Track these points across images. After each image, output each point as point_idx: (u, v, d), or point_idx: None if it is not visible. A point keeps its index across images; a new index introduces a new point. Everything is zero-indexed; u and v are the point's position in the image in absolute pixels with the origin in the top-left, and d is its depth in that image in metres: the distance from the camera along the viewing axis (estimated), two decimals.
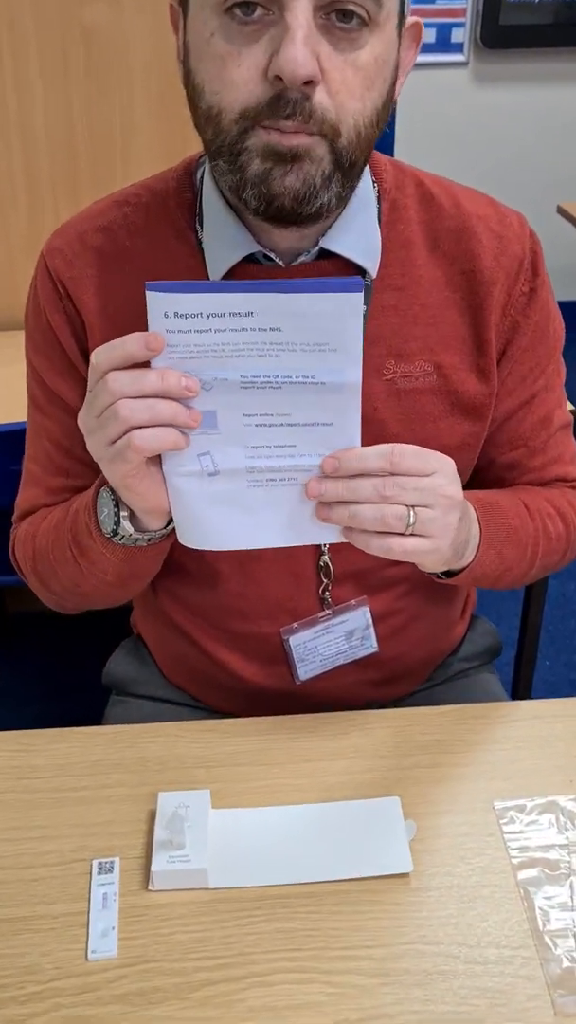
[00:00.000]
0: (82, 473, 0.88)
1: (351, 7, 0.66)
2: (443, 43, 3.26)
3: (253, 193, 0.70)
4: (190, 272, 0.81)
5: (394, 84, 0.73)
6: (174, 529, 0.78)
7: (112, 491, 0.77)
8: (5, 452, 1.42)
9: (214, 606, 0.93)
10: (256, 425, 0.70)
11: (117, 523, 0.77)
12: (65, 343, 0.85)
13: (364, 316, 0.81)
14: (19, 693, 1.94)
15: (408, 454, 0.71)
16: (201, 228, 0.81)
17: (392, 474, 0.70)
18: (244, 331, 0.66)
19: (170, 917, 0.70)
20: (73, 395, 0.87)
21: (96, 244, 0.83)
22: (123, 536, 0.78)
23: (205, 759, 0.84)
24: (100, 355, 0.69)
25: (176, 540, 0.77)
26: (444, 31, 3.25)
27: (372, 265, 0.80)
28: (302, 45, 0.64)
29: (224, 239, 0.78)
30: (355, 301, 0.65)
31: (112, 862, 0.74)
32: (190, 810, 0.75)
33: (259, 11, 0.66)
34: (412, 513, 0.71)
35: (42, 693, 1.94)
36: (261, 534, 0.74)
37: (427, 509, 0.71)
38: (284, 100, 0.66)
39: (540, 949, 0.68)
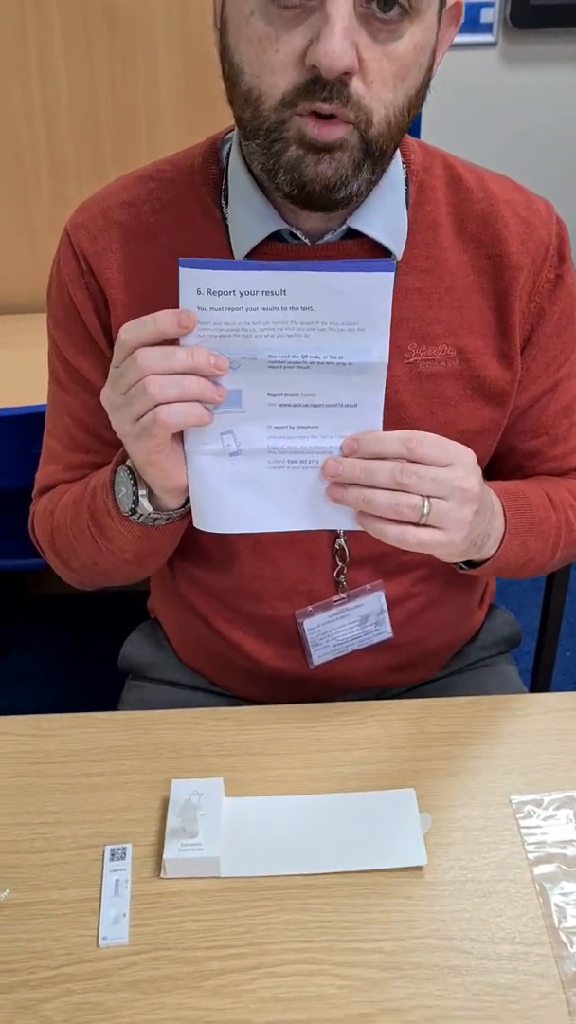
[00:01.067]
0: (102, 450, 0.88)
1: (387, 12, 0.65)
2: (472, 23, 3.21)
3: (286, 179, 0.70)
4: (214, 248, 0.80)
5: (431, 68, 0.71)
6: (185, 509, 0.77)
7: (130, 470, 0.77)
8: (24, 434, 1.42)
9: (230, 588, 0.92)
10: (280, 405, 0.70)
11: (135, 502, 0.77)
12: (87, 319, 0.84)
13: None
14: (38, 676, 1.95)
15: (427, 442, 0.70)
16: (226, 204, 0.80)
17: (409, 461, 0.70)
18: (275, 310, 0.66)
19: (181, 905, 0.70)
20: (94, 372, 0.86)
21: (120, 219, 0.83)
22: (141, 515, 0.77)
23: (219, 747, 0.84)
24: (129, 331, 0.68)
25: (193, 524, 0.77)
26: (473, 11, 3.20)
27: (398, 246, 0.79)
28: (341, 37, 0.63)
29: (250, 216, 0.77)
30: (387, 281, 0.66)
31: (125, 848, 0.74)
32: (203, 798, 0.75)
33: None
34: (427, 503, 0.70)
35: (61, 676, 1.95)
36: (278, 518, 0.74)
37: (442, 501, 0.70)
38: (321, 83, 0.65)
39: (555, 946, 0.67)
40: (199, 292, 0.66)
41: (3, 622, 2.10)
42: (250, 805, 0.77)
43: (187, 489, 0.74)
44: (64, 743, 0.84)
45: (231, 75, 0.71)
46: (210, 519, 0.75)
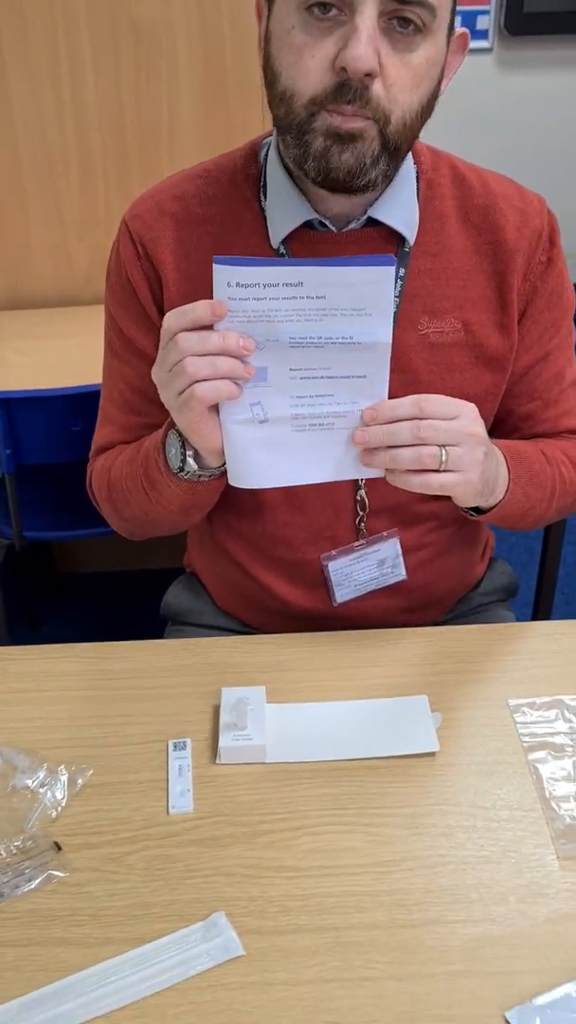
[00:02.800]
0: (153, 412, 1.01)
1: (410, 15, 0.78)
2: (468, 30, 3.34)
3: (313, 166, 0.83)
4: (254, 235, 0.94)
5: (439, 83, 0.85)
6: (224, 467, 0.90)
7: (179, 434, 0.89)
8: (67, 413, 1.56)
9: (263, 535, 1.06)
10: (301, 378, 0.82)
11: (183, 461, 0.90)
12: (142, 296, 0.98)
13: (403, 278, 0.94)
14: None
15: (434, 401, 0.83)
16: (264, 198, 0.94)
17: (421, 419, 0.83)
18: (294, 299, 0.78)
19: (235, 784, 0.84)
20: (147, 342, 0.99)
21: (172, 211, 0.96)
22: (188, 472, 0.90)
23: (259, 665, 0.97)
24: (171, 319, 0.81)
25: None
26: (469, 18, 3.34)
27: (411, 234, 0.93)
28: (366, 44, 0.77)
29: (285, 207, 0.91)
30: (388, 272, 0.77)
31: (185, 742, 0.88)
32: (249, 700, 0.89)
33: (333, 11, 0.78)
34: (444, 452, 0.83)
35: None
36: (303, 472, 0.86)
37: (456, 447, 0.83)
38: (347, 87, 0.79)
39: (546, 811, 0.81)
40: (229, 285, 0.77)
41: (35, 597, 2.24)
42: (288, 709, 0.91)
43: (218, 448, 0.86)
44: (124, 663, 0.98)
45: (271, 79, 0.85)
46: (244, 477, 0.87)
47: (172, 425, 0.91)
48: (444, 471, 0.83)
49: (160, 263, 0.96)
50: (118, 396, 1.05)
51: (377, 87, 0.80)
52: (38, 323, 1.96)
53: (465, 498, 0.90)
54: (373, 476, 0.86)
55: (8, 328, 1.94)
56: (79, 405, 1.54)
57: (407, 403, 0.83)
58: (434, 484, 0.84)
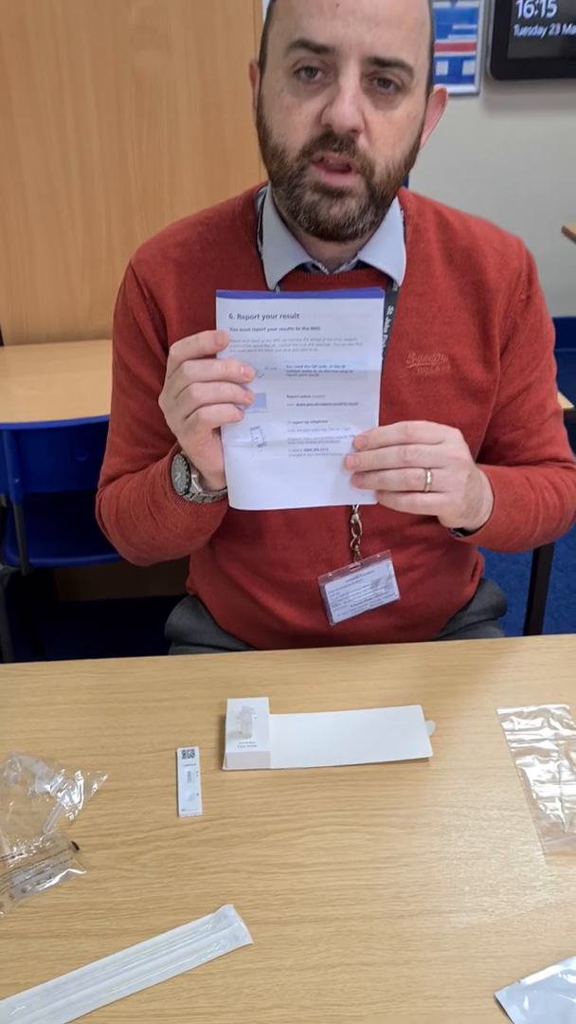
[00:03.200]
0: (157, 443, 1.08)
1: (389, 76, 0.86)
2: (455, 75, 3.48)
3: (305, 217, 0.90)
4: (251, 278, 1.01)
5: (420, 137, 0.93)
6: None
7: (185, 459, 0.96)
8: (73, 443, 1.62)
9: (263, 559, 1.12)
10: (297, 405, 0.88)
11: (189, 484, 0.96)
12: (147, 335, 1.05)
13: (391, 316, 1.01)
14: None
15: (420, 427, 0.89)
16: (261, 243, 1.01)
17: (408, 444, 0.89)
18: (290, 330, 0.84)
19: (241, 788, 0.89)
20: (152, 378, 1.06)
21: (175, 256, 1.03)
22: (193, 495, 0.96)
23: (262, 679, 1.03)
24: (178, 348, 0.87)
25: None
26: (456, 64, 3.47)
27: (399, 275, 1.00)
28: (350, 102, 0.84)
29: (280, 252, 0.98)
30: (377, 305, 0.84)
31: (193, 750, 0.93)
32: (253, 711, 0.94)
33: (319, 74, 0.86)
34: (429, 474, 0.89)
35: None
36: (299, 495, 0.92)
37: (440, 470, 0.90)
38: (333, 137, 0.86)
39: (533, 811, 0.86)
40: (231, 316, 0.84)
41: (38, 623, 2.29)
42: (290, 719, 0.97)
43: (221, 471, 0.92)
44: (134, 678, 1.04)
45: (264, 138, 0.92)
46: (244, 499, 0.93)
47: (178, 450, 0.97)
48: (429, 492, 0.89)
49: (164, 305, 1.03)
50: (125, 429, 1.12)
51: (362, 141, 0.87)
52: (43, 358, 2.03)
53: (450, 518, 0.96)
54: (366, 502, 0.92)
55: (15, 363, 2.01)
56: (84, 436, 1.61)
57: (394, 429, 0.89)
58: (419, 504, 0.89)
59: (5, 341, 2.12)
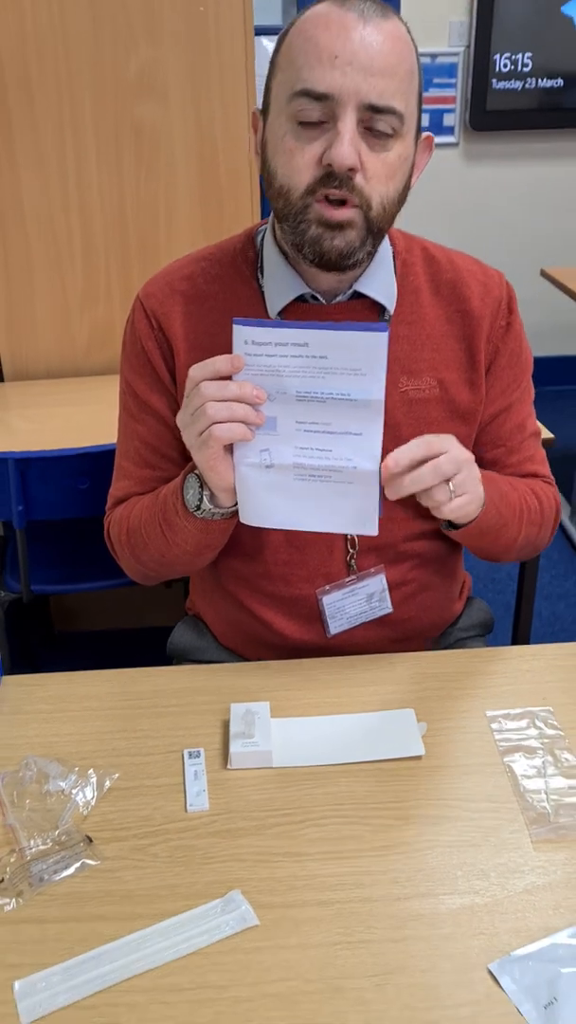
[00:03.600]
0: (165, 466, 1.14)
1: (383, 123, 0.94)
2: (436, 126, 3.63)
3: (309, 251, 0.98)
4: (253, 308, 1.08)
5: (410, 177, 1.01)
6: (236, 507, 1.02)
7: (198, 477, 1.02)
8: (75, 472, 1.68)
9: (264, 574, 1.18)
10: (305, 431, 0.94)
11: (200, 500, 1.02)
12: (155, 363, 1.12)
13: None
14: None
15: (434, 440, 0.96)
16: (262, 276, 1.09)
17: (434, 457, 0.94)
18: (300, 357, 0.91)
19: (245, 786, 0.95)
20: (160, 404, 1.13)
21: (181, 289, 1.11)
22: (204, 511, 1.03)
23: (264, 686, 1.09)
24: (196, 370, 0.95)
25: (239, 524, 1.02)
26: (437, 116, 3.63)
27: (390, 304, 1.08)
28: (348, 145, 0.93)
29: (281, 284, 1.06)
30: (383, 338, 0.89)
31: (199, 751, 0.99)
32: (256, 712, 0.99)
33: (320, 121, 0.94)
34: (451, 483, 0.95)
35: None
36: (300, 518, 0.98)
37: (459, 475, 0.96)
38: (333, 176, 0.94)
39: (520, 803, 0.92)
40: (246, 343, 0.91)
41: (34, 653, 2.32)
42: (290, 722, 1.02)
43: (231, 487, 0.99)
44: (144, 687, 1.09)
45: (270, 179, 1.00)
46: (251, 516, 1.00)
47: (190, 470, 1.03)
48: (454, 498, 0.96)
49: (171, 334, 1.10)
50: (134, 452, 1.18)
51: (359, 178, 0.95)
52: (43, 392, 2.10)
53: (474, 513, 1.02)
54: (364, 533, 0.98)
55: (16, 397, 2.07)
56: (86, 464, 1.67)
57: (418, 444, 0.94)
58: (446, 512, 0.97)
59: (6, 377, 2.18)
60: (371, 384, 0.91)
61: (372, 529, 0.97)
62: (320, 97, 0.92)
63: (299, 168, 0.96)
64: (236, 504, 1.02)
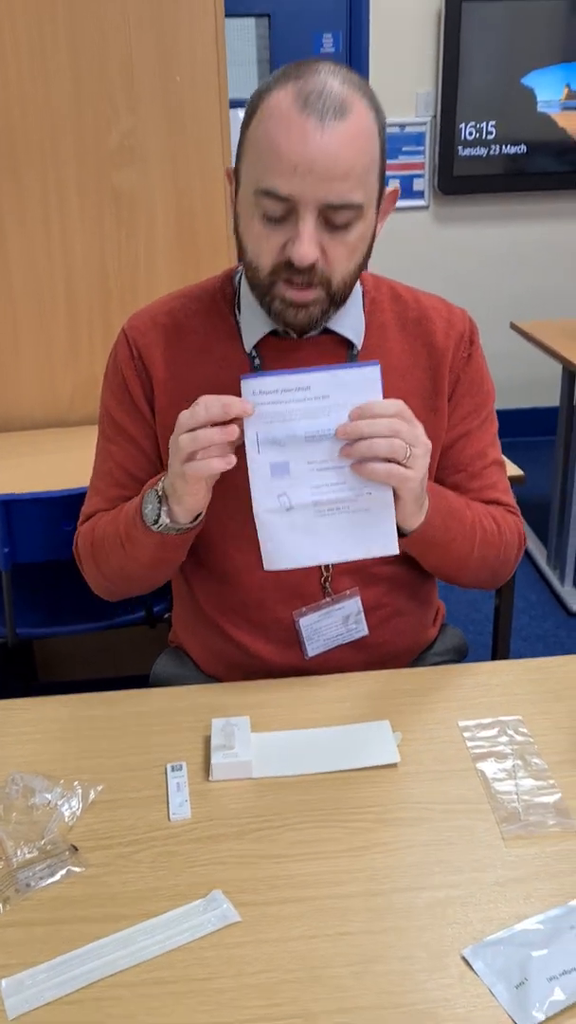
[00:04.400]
0: (133, 487, 1.21)
1: (342, 216, 1.00)
2: (407, 191, 3.79)
3: (275, 319, 1.07)
4: (231, 342, 1.15)
5: (374, 237, 1.07)
6: (196, 524, 1.07)
7: (157, 494, 1.07)
8: (59, 514, 1.73)
9: (242, 601, 1.22)
10: (317, 470, 1.00)
11: (158, 515, 1.07)
12: (133, 391, 1.18)
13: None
14: None
15: (407, 411, 0.99)
16: (239, 312, 1.16)
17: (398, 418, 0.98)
18: (305, 400, 0.98)
19: (226, 796, 0.97)
20: (134, 428, 1.19)
21: (163, 323, 1.18)
22: (161, 525, 1.08)
23: (243, 703, 1.12)
24: (185, 416, 0.99)
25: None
26: (407, 181, 3.79)
27: (358, 340, 1.15)
28: (308, 244, 0.99)
29: (255, 320, 1.13)
30: (376, 373, 0.97)
31: (181, 764, 1.01)
32: (236, 725, 1.03)
33: (283, 213, 0.99)
34: (409, 449, 0.99)
35: None
36: (326, 552, 1.02)
37: (416, 448, 0.99)
38: (295, 267, 1.00)
39: (492, 803, 0.95)
40: (254, 393, 0.97)
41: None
42: (270, 736, 1.05)
43: (197, 510, 1.05)
44: (126, 708, 1.12)
45: (241, 247, 1.07)
46: (276, 560, 1.02)
47: (151, 486, 1.09)
48: (405, 466, 0.99)
49: (151, 364, 1.17)
50: (106, 473, 1.24)
51: (320, 264, 1.02)
52: (28, 442, 2.15)
53: (408, 497, 1.02)
54: (388, 553, 1.02)
55: (0, 447, 2.13)
56: (71, 507, 1.71)
57: (391, 404, 0.99)
58: (396, 474, 0.98)
59: None
60: None
61: (393, 548, 1.02)
62: (282, 199, 0.98)
63: (265, 251, 1.02)
64: (194, 521, 1.08)
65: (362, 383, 0.98)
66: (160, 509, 1.07)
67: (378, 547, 1.02)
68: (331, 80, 0.98)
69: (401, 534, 1.11)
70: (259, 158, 1.00)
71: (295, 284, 1.02)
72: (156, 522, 1.08)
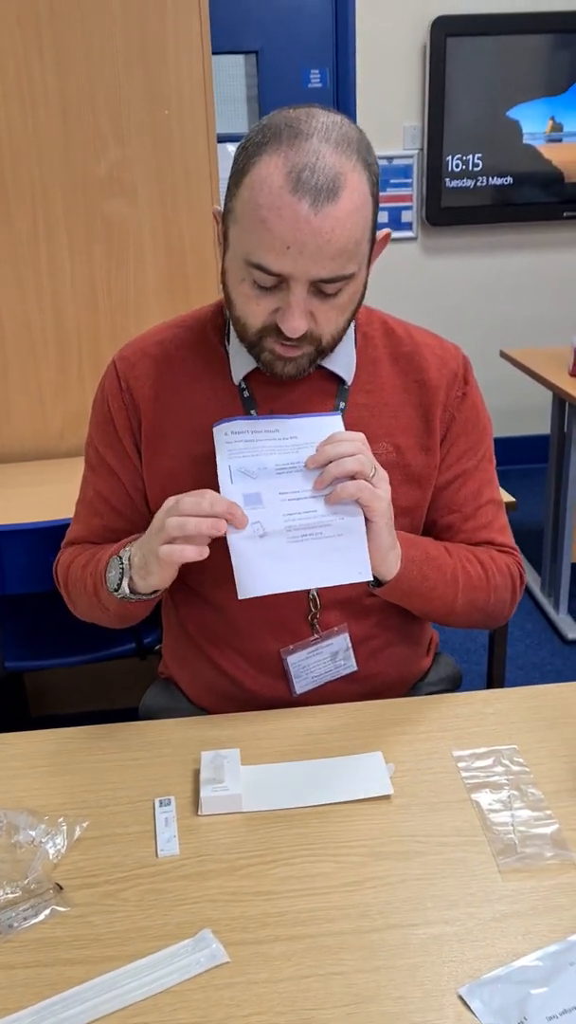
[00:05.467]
0: (111, 517, 1.21)
1: (332, 289, 0.99)
2: (395, 222, 3.82)
3: (264, 368, 1.07)
4: (219, 372, 1.15)
5: (365, 286, 1.06)
6: (156, 596, 1.09)
7: (121, 561, 1.08)
8: (48, 546, 1.71)
9: (232, 632, 1.20)
10: (289, 499, 1.01)
11: (119, 583, 1.08)
12: (118, 423, 1.17)
13: (343, 410, 1.14)
14: None
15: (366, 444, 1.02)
16: (228, 343, 1.15)
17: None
18: (274, 440, 1.02)
19: (216, 830, 0.95)
20: (116, 460, 1.19)
21: (154, 353, 1.17)
22: (121, 594, 1.09)
23: (233, 736, 1.10)
24: (177, 506, 1.00)
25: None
26: (395, 212, 3.82)
27: (349, 375, 1.15)
28: (298, 316, 0.99)
29: (245, 354, 1.11)
30: (337, 419, 1.05)
31: (169, 799, 0.99)
32: (226, 758, 1.01)
33: (273, 283, 0.99)
34: (375, 468, 1.01)
35: None
36: (297, 579, 1.01)
37: (381, 471, 1.02)
38: (284, 334, 1.01)
39: (488, 835, 0.93)
40: (226, 434, 1.02)
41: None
42: (260, 768, 1.03)
43: (161, 588, 1.06)
44: (113, 741, 1.10)
45: (228, 302, 1.05)
46: (249, 587, 1.00)
47: (116, 552, 1.10)
48: (374, 485, 0.99)
49: (138, 396, 1.16)
50: (88, 501, 1.24)
51: (310, 326, 1.02)
52: (17, 473, 2.14)
53: (380, 524, 1.02)
54: (361, 580, 1.00)
55: None
56: (59, 539, 1.69)
57: (352, 433, 1.02)
58: (366, 490, 0.98)
59: None
60: None
61: (367, 574, 1.01)
62: (273, 274, 0.98)
63: (253, 313, 1.02)
64: (152, 594, 1.09)
65: (325, 427, 1.03)
66: (122, 579, 1.08)
67: (352, 572, 1.01)
68: (323, 148, 0.94)
69: (379, 583, 1.11)
70: (250, 231, 0.97)
71: (284, 344, 1.03)
72: (117, 589, 1.09)
